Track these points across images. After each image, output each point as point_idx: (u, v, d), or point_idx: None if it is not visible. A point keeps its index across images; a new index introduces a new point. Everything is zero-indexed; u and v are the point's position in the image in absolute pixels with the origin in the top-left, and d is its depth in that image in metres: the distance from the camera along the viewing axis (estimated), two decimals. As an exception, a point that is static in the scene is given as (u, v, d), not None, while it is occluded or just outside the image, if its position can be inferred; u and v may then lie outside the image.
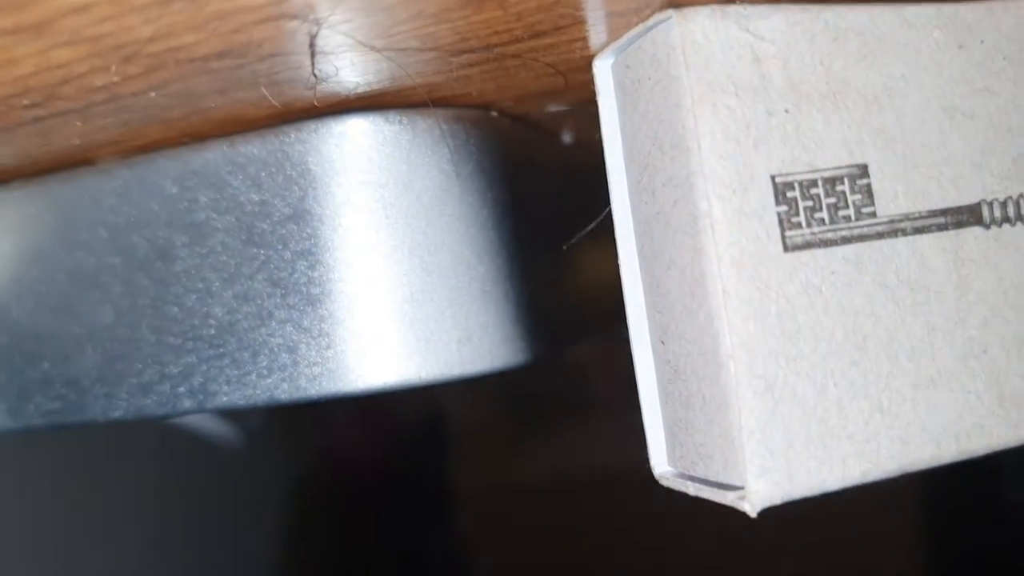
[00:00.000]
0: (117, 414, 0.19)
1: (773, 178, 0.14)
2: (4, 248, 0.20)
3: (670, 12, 0.14)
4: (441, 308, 0.17)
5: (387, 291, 0.17)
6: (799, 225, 0.14)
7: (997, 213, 0.15)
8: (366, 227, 0.17)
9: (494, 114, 0.19)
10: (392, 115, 0.17)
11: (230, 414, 0.40)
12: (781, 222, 0.14)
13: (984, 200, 0.15)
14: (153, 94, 0.16)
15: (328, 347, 0.17)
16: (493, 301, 0.18)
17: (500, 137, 0.19)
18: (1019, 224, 0.15)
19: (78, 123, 0.17)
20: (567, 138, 0.24)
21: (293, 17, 0.13)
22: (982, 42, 0.16)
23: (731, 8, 0.14)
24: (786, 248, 0.14)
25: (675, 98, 0.14)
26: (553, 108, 0.20)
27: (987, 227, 0.15)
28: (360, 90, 0.16)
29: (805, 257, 0.14)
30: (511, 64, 0.16)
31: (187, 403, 0.18)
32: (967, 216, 0.15)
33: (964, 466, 0.15)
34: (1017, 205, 0.15)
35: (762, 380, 0.14)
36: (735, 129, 0.14)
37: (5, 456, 0.37)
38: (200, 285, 0.18)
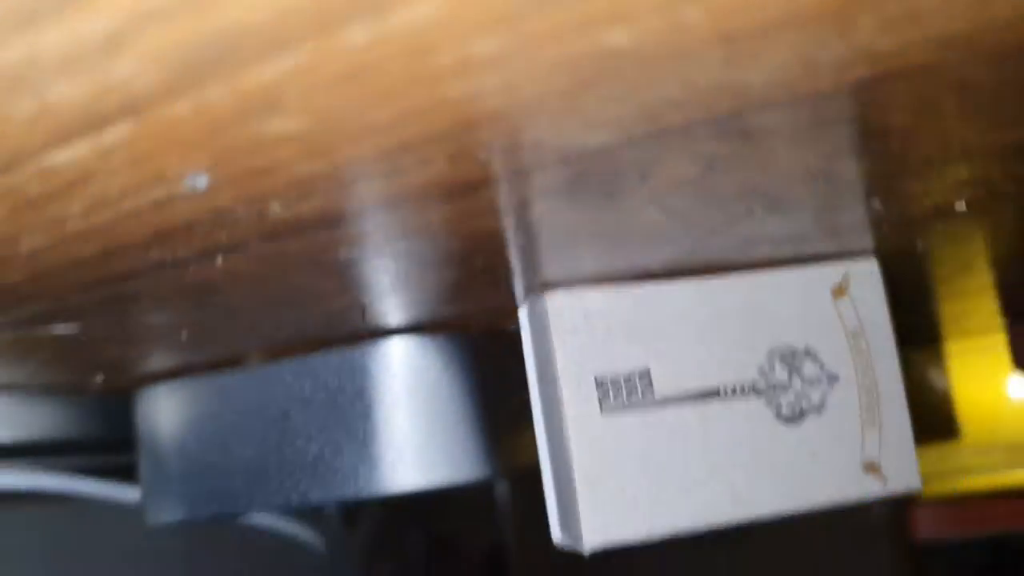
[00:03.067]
0: (253, 509, 0.32)
1: (595, 377, 0.27)
2: (187, 415, 0.34)
3: (544, 293, 0.28)
4: (440, 447, 0.31)
5: (407, 436, 0.31)
6: (609, 400, 0.27)
7: (730, 391, 0.28)
8: (399, 402, 0.31)
9: (469, 333, 0.33)
10: (417, 338, 0.31)
11: (321, 540, 0.53)
12: (600, 400, 0.27)
13: (722, 385, 0.28)
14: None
15: (376, 468, 0.31)
16: (471, 440, 0.32)
17: (476, 345, 0.33)
18: (743, 398, 0.28)
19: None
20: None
21: (353, 305, 0.27)
22: (728, 305, 0.29)
23: (575, 289, 0.28)
24: (602, 413, 0.27)
25: (547, 335, 0.28)
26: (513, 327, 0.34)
27: (723, 399, 0.28)
28: (391, 327, 0.30)
29: (614, 418, 0.27)
30: (477, 319, 0.30)
31: (294, 499, 0.32)
32: (710, 394, 0.28)
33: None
34: (743, 388, 0.28)
35: (593, 483, 0.27)
36: (576, 352, 0.27)
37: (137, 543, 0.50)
38: (304, 434, 0.32)
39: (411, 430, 0.31)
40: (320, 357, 0.32)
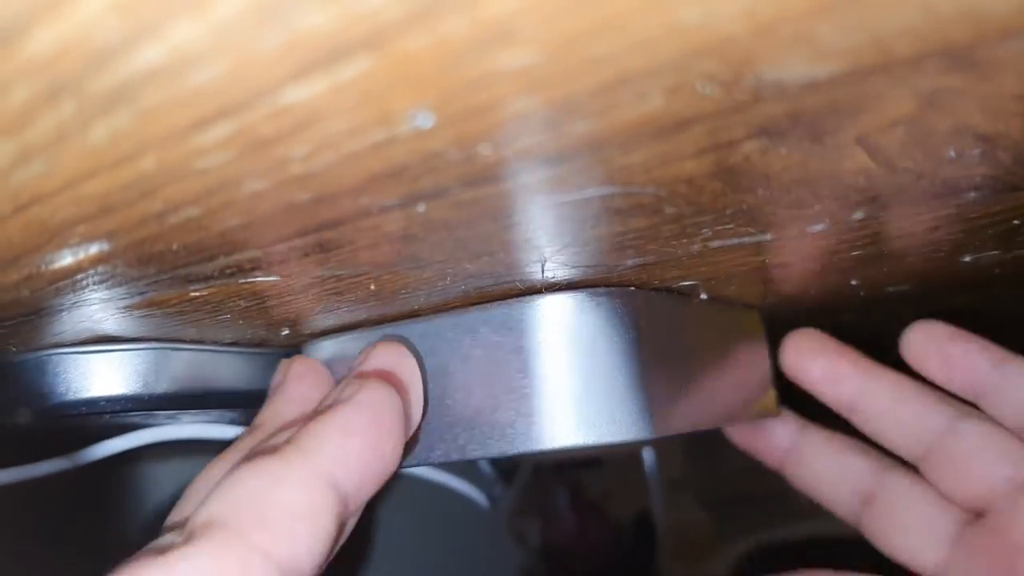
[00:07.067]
0: (412, 463, 0.33)
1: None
2: (350, 368, 0.35)
3: (726, 245, 0.27)
4: (599, 405, 0.31)
5: (566, 392, 0.31)
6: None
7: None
8: (558, 357, 0.31)
9: (632, 288, 0.32)
10: (578, 293, 0.31)
11: (482, 496, 0.54)
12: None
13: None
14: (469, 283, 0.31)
15: (532, 424, 0.30)
16: (630, 399, 0.31)
17: (639, 301, 0.32)
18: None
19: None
20: (703, 295, 0.37)
21: (534, 257, 0.27)
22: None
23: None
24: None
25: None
26: (680, 284, 0.34)
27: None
28: (564, 282, 0.30)
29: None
30: (647, 274, 0.30)
31: (453, 454, 0.32)
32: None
33: None
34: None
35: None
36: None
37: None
38: (464, 387, 0.32)
39: (570, 387, 0.31)
40: (479, 312, 0.32)
